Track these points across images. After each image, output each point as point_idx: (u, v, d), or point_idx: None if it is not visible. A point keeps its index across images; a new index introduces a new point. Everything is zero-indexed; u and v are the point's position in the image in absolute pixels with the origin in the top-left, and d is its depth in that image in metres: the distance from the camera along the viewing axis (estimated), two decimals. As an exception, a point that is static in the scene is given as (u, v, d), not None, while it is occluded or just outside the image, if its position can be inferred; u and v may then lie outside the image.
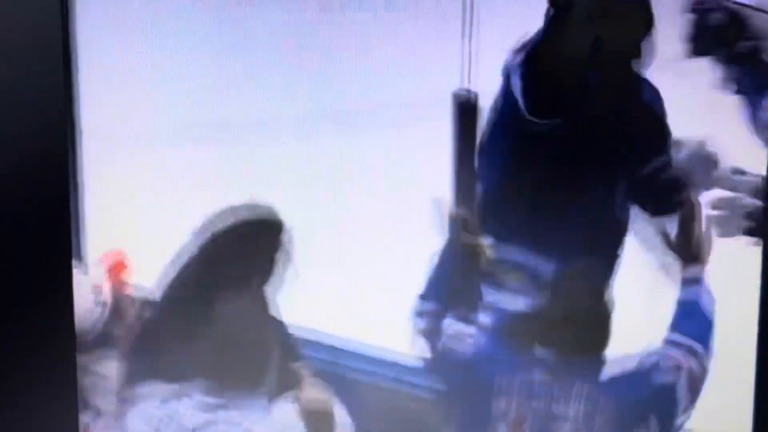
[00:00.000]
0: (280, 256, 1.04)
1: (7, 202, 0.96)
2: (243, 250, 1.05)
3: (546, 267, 1.00)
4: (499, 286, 1.02)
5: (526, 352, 1.02)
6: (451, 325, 1.02)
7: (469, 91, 0.98)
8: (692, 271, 1.01)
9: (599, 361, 1.03)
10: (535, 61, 0.97)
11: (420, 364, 1.03)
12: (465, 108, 0.98)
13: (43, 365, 1.00)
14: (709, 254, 0.99)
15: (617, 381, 1.03)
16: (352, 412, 1.04)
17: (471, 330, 1.02)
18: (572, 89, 0.98)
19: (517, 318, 1.03)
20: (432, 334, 1.04)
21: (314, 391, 1.03)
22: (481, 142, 0.99)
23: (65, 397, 1.02)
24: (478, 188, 1.00)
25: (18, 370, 0.98)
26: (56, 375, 0.99)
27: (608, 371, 1.03)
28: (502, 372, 1.02)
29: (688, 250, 1.01)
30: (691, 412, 1.03)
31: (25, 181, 0.96)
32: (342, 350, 1.04)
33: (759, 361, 0.99)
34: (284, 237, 1.04)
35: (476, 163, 1.00)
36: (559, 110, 0.98)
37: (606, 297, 1.00)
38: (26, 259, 0.97)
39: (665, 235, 0.99)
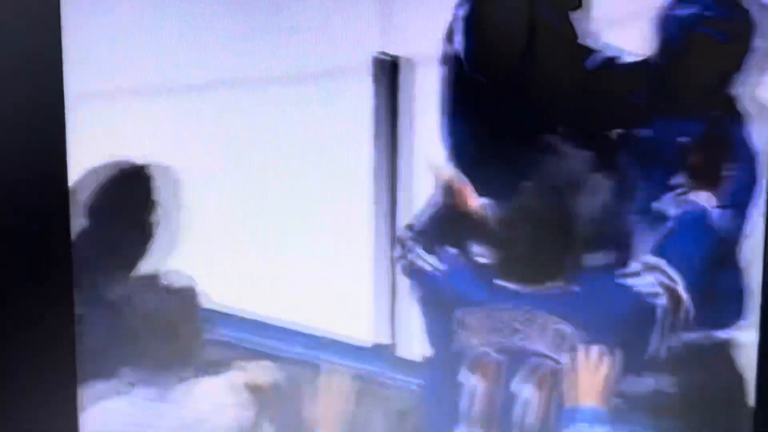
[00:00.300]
0: (154, 211, 1.01)
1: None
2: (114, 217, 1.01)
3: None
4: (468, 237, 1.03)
5: (491, 284, 1.04)
6: (420, 255, 1.05)
7: (388, 54, 0.99)
8: (700, 196, 0.99)
9: (567, 289, 1.03)
10: (474, 16, 0.98)
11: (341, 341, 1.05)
12: (384, 71, 0.99)
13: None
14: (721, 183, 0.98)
15: (586, 306, 1.03)
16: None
17: (437, 263, 1.04)
18: (512, 44, 0.98)
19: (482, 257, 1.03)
20: (402, 260, 1.06)
21: (244, 367, 1.02)
22: (441, 104, 1.00)
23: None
24: (448, 147, 1.01)
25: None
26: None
27: (575, 297, 1.03)
28: (465, 300, 1.05)
29: (702, 175, 0.99)
30: (665, 344, 1.01)
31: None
32: (258, 324, 1.03)
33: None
34: (154, 188, 1.01)
35: (441, 125, 1.00)
36: (501, 66, 0.99)
37: (572, 229, 1.00)
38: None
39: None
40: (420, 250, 1.04)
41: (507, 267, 1.03)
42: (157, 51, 0.99)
